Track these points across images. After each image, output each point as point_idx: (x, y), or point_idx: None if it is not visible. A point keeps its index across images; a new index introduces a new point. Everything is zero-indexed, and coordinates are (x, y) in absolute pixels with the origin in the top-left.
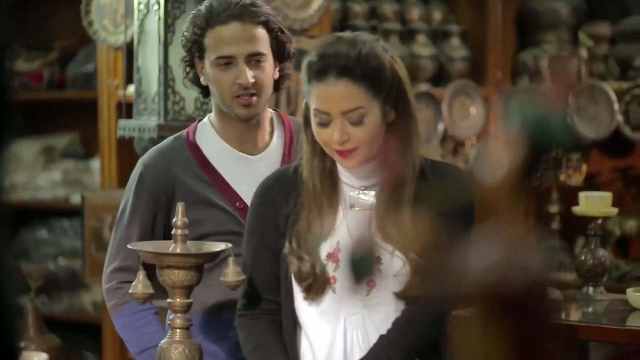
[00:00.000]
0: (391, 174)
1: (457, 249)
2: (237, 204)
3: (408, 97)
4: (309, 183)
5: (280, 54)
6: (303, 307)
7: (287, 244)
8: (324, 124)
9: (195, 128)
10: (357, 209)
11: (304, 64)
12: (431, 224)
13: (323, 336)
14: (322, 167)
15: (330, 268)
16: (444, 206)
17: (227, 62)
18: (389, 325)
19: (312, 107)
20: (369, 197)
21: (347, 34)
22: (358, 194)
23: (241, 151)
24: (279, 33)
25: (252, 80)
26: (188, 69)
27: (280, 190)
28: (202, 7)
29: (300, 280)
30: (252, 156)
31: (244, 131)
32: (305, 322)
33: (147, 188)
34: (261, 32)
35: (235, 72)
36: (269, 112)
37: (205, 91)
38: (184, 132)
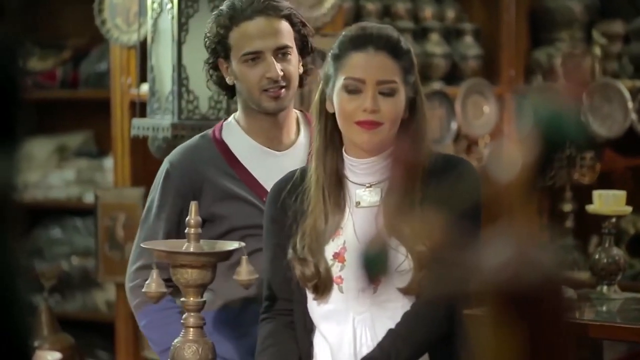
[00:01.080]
0: (401, 171)
1: (466, 244)
2: (264, 198)
3: (422, 99)
4: (315, 178)
5: (304, 47)
6: (313, 307)
7: (290, 249)
8: (354, 92)
9: (222, 126)
10: (363, 206)
11: (339, 40)
12: (440, 219)
13: (333, 335)
14: (331, 162)
15: (336, 268)
16: (452, 198)
17: (254, 57)
18: (397, 322)
19: (345, 76)
20: (375, 194)
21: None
22: (364, 191)
23: (268, 147)
24: (301, 27)
25: (281, 73)
26: (212, 71)
27: (289, 191)
28: (224, 7)
29: (305, 282)
30: (278, 152)
31: (270, 128)
32: (316, 322)
33: (174, 185)
34: (285, 26)
35: (264, 67)
36: (295, 112)
37: (230, 92)
38: (210, 130)
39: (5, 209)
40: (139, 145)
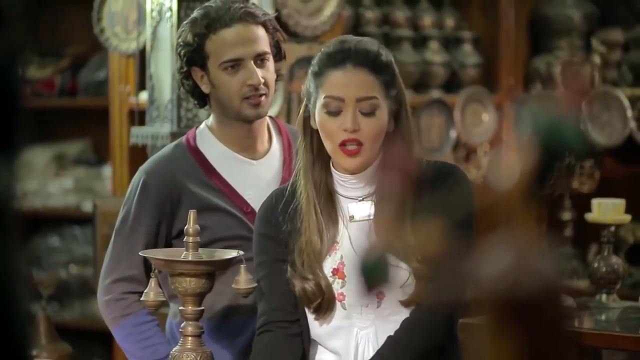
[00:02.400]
0: (390, 183)
1: (461, 251)
2: (244, 208)
3: (407, 110)
4: (305, 195)
5: (277, 53)
6: (315, 325)
7: (289, 267)
8: (334, 113)
9: (195, 135)
10: (357, 220)
11: (318, 56)
12: (434, 228)
13: (335, 351)
14: (320, 177)
15: (337, 285)
16: (445, 206)
17: (234, 64)
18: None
19: (324, 95)
20: (368, 207)
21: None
22: (356, 205)
23: (243, 156)
24: (275, 33)
25: (262, 80)
26: (184, 80)
27: (281, 209)
28: (197, 15)
29: (307, 302)
30: (254, 161)
31: (245, 136)
32: (318, 338)
33: (152, 197)
34: (263, 32)
35: (245, 74)
36: (265, 119)
37: (201, 101)
38: (182, 139)
39: (4, 217)
40: (137, 153)
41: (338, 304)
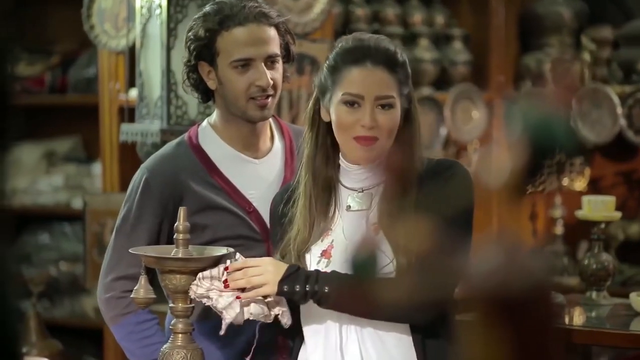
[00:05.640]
0: (393, 178)
1: (458, 246)
2: (247, 207)
3: (416, 107)
4: (303, 185)
5: (287, 55)
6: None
7: (278, 254)
8: (352, 107)
9: (197, 132)
10: (353, 210)
11: (336, 52)
12: (432, 223)
13: (318, 328)
14: (320, 168)
15: (322, 264)
16: (445, 200)
17: (244, 64)
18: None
19: (343, 91)
20: (366, 199)
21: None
22: (355, 196)
23: (246, 155)
24: (286, 35)
25: (271, 82)
26: (190, 73)
27: (284, 203)
28: (209, 10)
29: None
30: (256, 160)
31: (249, 135)
32: (302, 316)
33: (154, 195)
34: (275, 34)
35: (254, 74)
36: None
37: (204, 96)
38: (184, 136)
39: None
40: (127, 150)
41: None
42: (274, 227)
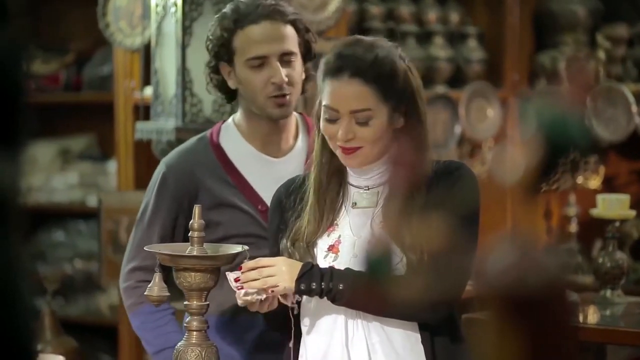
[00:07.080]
0: (399, 176)
1: (464, 247)
2: (259, 206)
3: (419, 106)
4: (315, 179)
5: (307, 53)
6: (305, 299)
7: (285, 245)
8: (331, 120)
9: (219, 129)
10: (359, 207)
11: (322, 61)
12: (438, 223)
13: (324, 326)
14: (330, 164)
15: (330, 259)
16: (450, 202)
17: (260, 62)
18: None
19: (323, 103)
20: (373, 197)
21: (367, 38)
22: (362, 193)
23: (265, 153)
24: (305, 32)
25: (286, 79)
26: (212, 74)
27: (289, 194)
28: (227, 10)
29: None
30: (275, 159)
31: (270, 133)
32: (307, 313)
33: (170, 190)
34: (291, 31)
35: (269, 72)
36: (295, 116)
37: (229, 96)
38: (207, 132)
39: (9, 212)
40: (142, 148)
41: None
42: (272, 217)
